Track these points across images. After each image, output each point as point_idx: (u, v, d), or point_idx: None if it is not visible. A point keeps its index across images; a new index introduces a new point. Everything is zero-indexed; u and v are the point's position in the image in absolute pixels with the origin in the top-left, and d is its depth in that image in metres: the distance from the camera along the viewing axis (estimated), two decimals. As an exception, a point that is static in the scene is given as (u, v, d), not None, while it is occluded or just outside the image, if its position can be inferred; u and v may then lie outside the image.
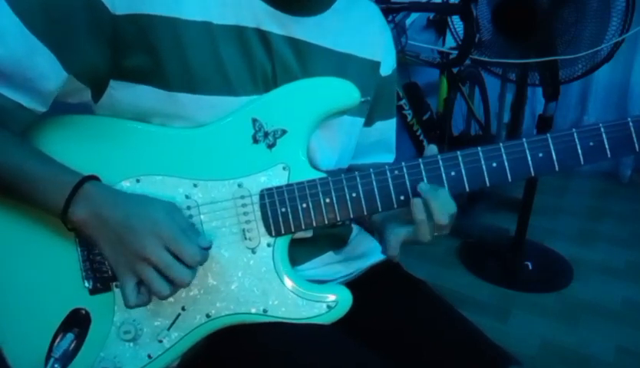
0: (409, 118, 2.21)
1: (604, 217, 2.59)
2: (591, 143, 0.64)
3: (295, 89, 0.68)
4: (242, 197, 0.66)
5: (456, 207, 0.65)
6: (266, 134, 0.67)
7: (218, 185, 0.66)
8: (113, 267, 0.62)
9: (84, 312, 0.66)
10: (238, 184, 0.66)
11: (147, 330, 0.66)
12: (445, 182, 0.65)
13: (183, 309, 0.66)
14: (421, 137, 2.25)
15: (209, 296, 0.66)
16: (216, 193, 0.66)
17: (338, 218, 0.67)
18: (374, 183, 0.66)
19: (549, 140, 0.64)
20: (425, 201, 0.63)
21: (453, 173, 0.65)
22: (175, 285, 0.60)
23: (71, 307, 0.66)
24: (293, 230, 0.67)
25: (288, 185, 0.66)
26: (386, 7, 1.90)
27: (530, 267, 2.07)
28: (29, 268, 0.66)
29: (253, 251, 0.66)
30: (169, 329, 0.66)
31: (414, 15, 2.31)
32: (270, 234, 0.66)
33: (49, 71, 0.61)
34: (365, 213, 0.66)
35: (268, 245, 0.67)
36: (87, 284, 0.66)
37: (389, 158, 0.91)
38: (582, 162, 0.64)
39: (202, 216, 0.66)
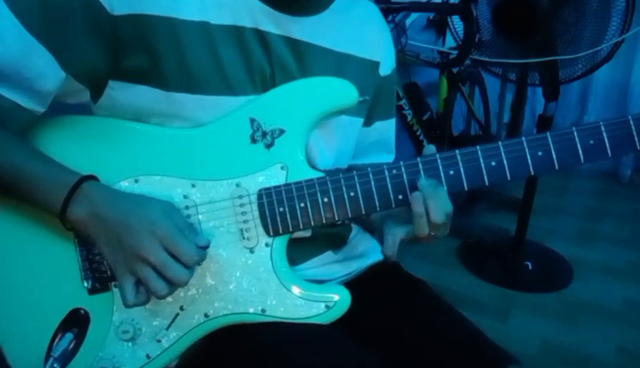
0: (409, 118, 2.20)
1: (604, 217, 2.59)
2: (591, 142, 0.64)
3: (293, 89, 0.68)
4: (240, 197, 0.66)
5: (453, 207, 0.64)
6: (264, 134, 0.67)
7: (216, 185, 0.66)
8: (111, 267, 0.62)
9: (83, 312, 0.66)
10: (236, 184, 0.66)
11: (146, 329, 0.66)
12: (444, 181, 0.65)
13: (182, 309, 0.66)
14: (421, 137, 2.25)
15: (208, 296, 0.66)
16: (214, 193, 0.66)
17: (336, 218, 0.66)
18: (372, 182, 0.66)
19: (549, 139, 0.64)
20: (423, 197, 0.63)
21: (451, 172, 0.65)
22: (172, 285, 0.60)
23: (70, 306, 0.66)
24: (291, 230, 0.67)
25: (286, 185, 0.66)
26: (386, 7, 1.89)
27: (530, 267, 2.07)
28: (29, 268, 0.66)
29: (251, 250, 0.66)
30: (167, 329, 0.66)
31: (413, 15, 2.30)
32: (268, 233, 0.66)
33: (47, 71, 0.61)
34: (363, 212, 0.66)
35: (267, 245, 0.67)
36: (85, 284, 0.66)
37: (389, 158, 0.91)
38: (583, 161, 0.64)
39: (200, 216, 0.66)
